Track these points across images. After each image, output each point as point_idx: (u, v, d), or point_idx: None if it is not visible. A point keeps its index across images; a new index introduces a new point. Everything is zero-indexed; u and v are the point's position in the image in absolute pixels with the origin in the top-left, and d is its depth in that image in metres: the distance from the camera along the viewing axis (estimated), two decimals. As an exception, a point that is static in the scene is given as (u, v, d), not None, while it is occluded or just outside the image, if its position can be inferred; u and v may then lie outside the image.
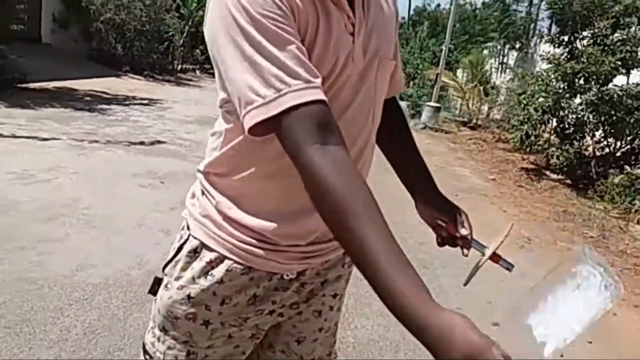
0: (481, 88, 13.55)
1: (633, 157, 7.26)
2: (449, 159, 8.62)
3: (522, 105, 7.98)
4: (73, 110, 7.31)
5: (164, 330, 1.00)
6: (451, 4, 13.48)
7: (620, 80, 7.10)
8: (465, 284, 1.08)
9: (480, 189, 6.65)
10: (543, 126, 7.84)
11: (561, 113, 7.41)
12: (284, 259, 0.94)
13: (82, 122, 6.51)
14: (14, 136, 5.29)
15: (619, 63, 6.71)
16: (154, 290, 1.02)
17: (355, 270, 1.09)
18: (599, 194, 6.46)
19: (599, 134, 7.40)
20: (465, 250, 1.07)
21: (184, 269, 0.97)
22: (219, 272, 0.94)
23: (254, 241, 0.92)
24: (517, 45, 14.95)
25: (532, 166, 8.25)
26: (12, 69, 8.04)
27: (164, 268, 1.01)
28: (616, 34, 7.02)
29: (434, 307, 0.64)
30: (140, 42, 13.32)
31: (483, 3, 22.81)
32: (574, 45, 7.57)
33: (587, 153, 7.46)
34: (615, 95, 6.70)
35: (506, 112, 10.74)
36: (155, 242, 3.14)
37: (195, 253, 0.96)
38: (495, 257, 1.06)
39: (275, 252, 0.93)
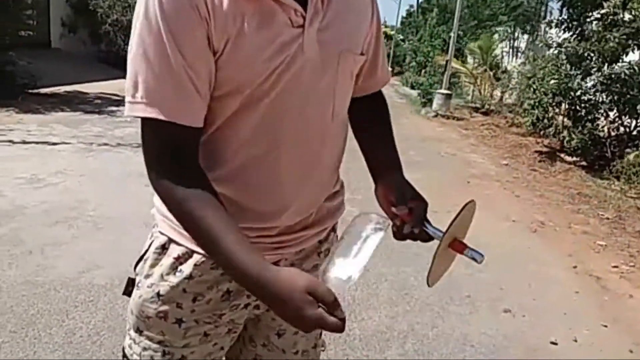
0: (492, 73, 13.38)
1: (649, 136, 7.11)
2: (461, 145, 8.52)
3: (533, 89, 7.87)
4: (82, 113, 7.37)
5: (138, 330, 0.97)
6: (459, -11, 13.27)
7: (632, 58, 6.94)
8: (428, 284, 0.90)
9: (493, 174, 6.56)
10: (555, 109, 7.72)
11: (572, 95, 7.28)
12: None
13: (91, 125, 6.56)
14: (24, 142, 5.35)
15: (624, 38, 6.53)
16: (128, 291, 0.99)
17: None
18: (614, 174, 6.34)
19: (613, 113, 7.26)
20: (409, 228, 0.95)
21: (152, 266, 0.95)
22: (187, 267, 0.92)
23: None
24: (528, 28, 14.68)
25: (546, 149, 8.12)
26: (22, 74, 8.13)
27: (135, 267, 0.98)
28: (626, 13, 6.85)
29: (265, 268, 0.75)
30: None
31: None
32: (583, 27, 7.43)
33: (601, 134, 7.32)
34: (623, 74, 6.56)
35: (518, 96, 10.57)
36: (161, 241, 3.14)
37: (163, 249, 0.94)
38: (458, 246, 0.90)
39: None
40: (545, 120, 7.74)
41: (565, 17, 7.78)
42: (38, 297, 2.41)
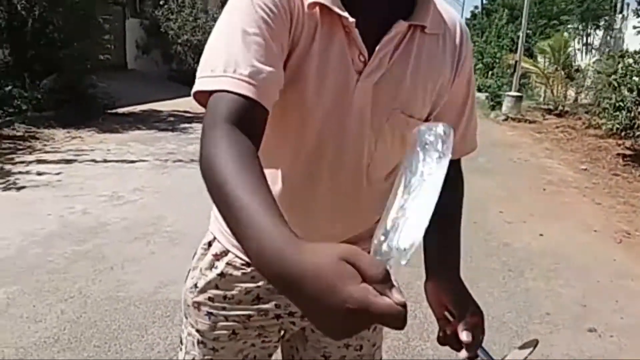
0: (565, 72, 12.74)
1: None
2: (534, 150, 8.16)
3: (614, 87, 7.40)
4: (157, 131, 7.73)
5: (185, 316, 1.08)
6: (526, -13, 12.79)
7: None
8: None
9: (571, 180, 6.22)
10: (639, 108, 7.22)
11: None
12: None
13: (166, 142, 6.85)
14: (105, 160, 5.68)
15: None
16: None
17: None
18: None
19: None
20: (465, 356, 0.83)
21: (198, 260, 1.04)
22: (221, 264, 1.00)
23: None
24: (601, 23, 13.86)
25: (628, 152, 7.60)
26: (102, 96, 8.67)
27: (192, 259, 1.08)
28: None
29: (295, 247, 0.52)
30: (217, 60, 13.88)
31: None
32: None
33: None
34: None
35: (595, 95, 9.99)
36: (232, 256, 3.22)
37: (209, 246, 1.03)
38: None
39: None
40: (628, 120, 7.25)
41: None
42: (119, 312, 2.52)
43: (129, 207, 4.11)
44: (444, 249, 0.94)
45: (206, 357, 1.05)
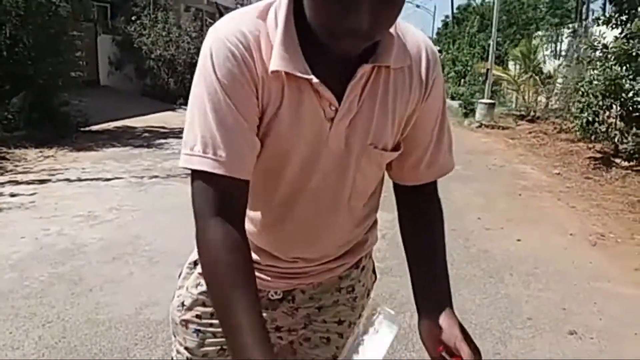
0: (537, 78, 13.03)
1: None
2: (508, 156, 8.30)
3: (581, 92, 7.60)
4: (132, 147, 7.64)
5: (173, 334, 1.10)
6: (495, -3, 13.10)
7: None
8: None
9: (545, 185, 6.34)
10: (606, 112, 7.43)
11: (624, 96, 6.98)
12: (265, 276, 0.99)
13: (141, 159, 6.78)
14: (79, 179, 5.58)
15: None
16: None
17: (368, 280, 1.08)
18: (677, 178, 6.00)
19: (670, 112, 6.91)
20: None
21: (184, 279, 1.08)
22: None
23: None
24: (569, 30, 14.27)
25: (599, 155, 7.79)
26: (75, 114, 8.53)
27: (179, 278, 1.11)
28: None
29: None
30: (191, 74, 13.73)
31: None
32: (631, 25, 7.14)
33: (659, 135, 6.97)
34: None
35: (564, 100, 10.25)
36: (214, 273, 3.19)
37: (195, 265, 1.06)
38: None
39: (256, 270, 0.91)
40: (596, 124, 7.45)
41: (613, 13, 7.52)
42: (100, 336, 2.47)
43: (106, 226, 4.04)
44: (433, 284, 0.92)
45: None
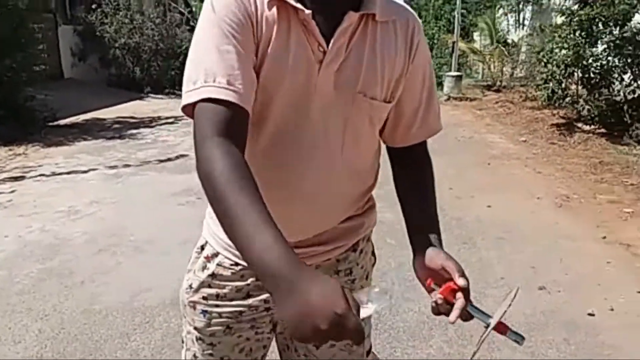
0: (503, 48, 13.27)
1: (667, 96, 7.04)
2: (477, 127, 8.54)
3: (544, 63, 7.84)
4: (104, 140, 7.58)
5: (183, 316, 1.17)
6: (456, -32, 13.20)
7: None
8: None
9: (512, 153, 6.59)
10: (569, 79, 7.69)
11: (584, 63, 7.24)
12: None
13: (115, 151, 6.75)
14: (55, 174, 5.56)
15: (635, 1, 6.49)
16: None
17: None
18: (635, 139, 6.31)
19: (627, 77, 7.20)
20: (454, 318, 0.87)
21: (193, 263, 1.15)
22: (212, 265, 1.10)
23: None
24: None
25: (562, 121, 8.09)
26: (41, 109, 8.36)
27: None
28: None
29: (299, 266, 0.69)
30: (156, 61, 13.59)
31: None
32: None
33: (618, 99, 7.28)
34: (630, 34, 6.50)
35: (529, 69, 10.51)
36: (201, 257, 3.30)
37: (202, 250, 1.13)
38: (501, 327, 0.89)
39: None
40: (560, 92, 7.71)
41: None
42: (98, 324, 2.57)
43: (88, 220, 4.08)
44: (425, 226, 1.01)
45: (206, 352, 1.14)
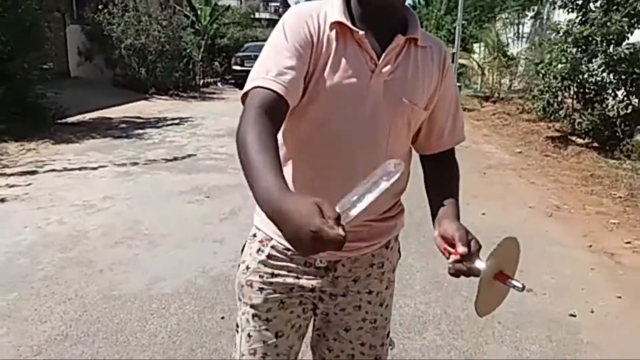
0: (502, 59, 13.55)
1: (658, 113, 7.28)
2: (474, 137, 8.78)
3: (541, 75, 8.08)
4: (112, 138, 7.79)
5: (239, 299, 1.31)
6: (459, -19, 13.48)
7: (638, 36, 7.10)
8: (478, 313, 1.02)
9: (508, 163, 6.83)
10: (564, 93, 7.92)
11: (580, 77, 7.48)
12: None
13: (124, 150, 6.96)
14: (67, 170, 5.77)
15: (626, 20, 6.73)
16: None
17: (389, 262, 1.34)
18: (625, 153, 6.55)
19: (621, 93, 7.45)
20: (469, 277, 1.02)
21: (248, 248, 1.30)
22: (267, 248, 1.26)
23: None
24: (531, 13, 14.80)
25: (557, 134, 8.34)
26: (50, 106, 8.57)
27: (241, 252, 1.34)
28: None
29: (286, 193, 0.83)
30: (162, 62, 13.81)
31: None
32: (587, 8, 7.57)
33: (611, 114, 7.52)
34: (622, 54, 6.74)
35: (527, 82, 10.78)
36: (213, 251, 3.52)
37: (254, 236, 1.30)
38: (501, 277, 1.00)
39: None
40: (555, 105, 7.95)
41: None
42: (118, 309, 2.78)
43: (103, 214, 4.29)
44: (449, 208, 1.18)
45: (261, 328, 1.26)
